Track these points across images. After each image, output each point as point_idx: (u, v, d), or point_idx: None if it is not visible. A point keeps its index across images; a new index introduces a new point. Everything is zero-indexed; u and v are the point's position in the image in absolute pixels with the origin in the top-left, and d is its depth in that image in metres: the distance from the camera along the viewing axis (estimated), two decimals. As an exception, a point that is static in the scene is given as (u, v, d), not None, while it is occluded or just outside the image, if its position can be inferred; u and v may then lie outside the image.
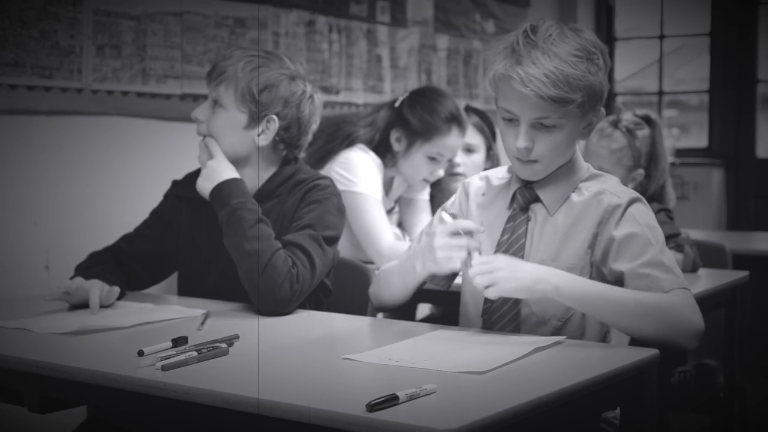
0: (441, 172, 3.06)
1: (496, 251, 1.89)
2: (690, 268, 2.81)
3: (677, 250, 2.83)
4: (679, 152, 5.58)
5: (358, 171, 2.94)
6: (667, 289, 1.73)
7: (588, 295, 1.71)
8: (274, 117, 2.22)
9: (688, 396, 2.88)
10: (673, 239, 2.86)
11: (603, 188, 1.85)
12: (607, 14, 5.94)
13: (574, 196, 1.87)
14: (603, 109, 1.88)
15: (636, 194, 1.85)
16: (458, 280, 2.04)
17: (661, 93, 5.88)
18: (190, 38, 3.29)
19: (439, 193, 3.29)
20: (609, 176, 1.91)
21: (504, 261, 1.74)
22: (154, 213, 2.39)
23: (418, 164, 3.02)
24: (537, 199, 1.88)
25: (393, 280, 2.01)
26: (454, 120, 3.00)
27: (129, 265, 2.31)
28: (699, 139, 5.90)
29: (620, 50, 6.02)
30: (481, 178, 2.01)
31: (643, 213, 1.82)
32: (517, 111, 1.80)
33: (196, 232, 2.31)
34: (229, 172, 2.20)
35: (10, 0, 2.76)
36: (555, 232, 1.86)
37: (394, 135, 3.01)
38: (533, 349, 1.64)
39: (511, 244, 1.88)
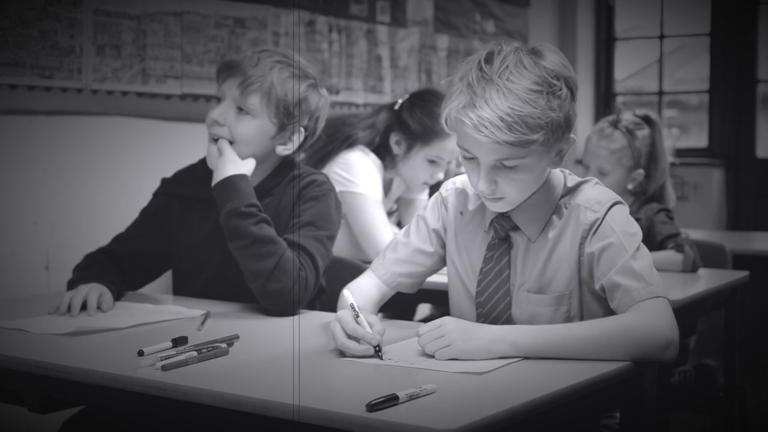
0: (441, 175, 3.06)
1: (480, 281, 1.83)
2: (690, 268, 2.81)
3: (677, 250, 2.83)
4: (679, 152, 5.58)
5: (357, 172, 2.94)
6: (636, 300, 1.65)
7: (547, 343, 1.61)
8: (302, 129, 2.23)
9: (688, 396, 2.88)
10: (673, 239, 2.86)
11: (579, 203, 1.77)
12: (607, 14, 5.94)
13: (555, 218, 1.78)
14: (573, 137, 1.77)
15: (612, 198, 1.76)
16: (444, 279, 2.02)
17: (661, 93, 5.88)
18: (190, 38, 3.29)
19: None
20: (585, 184, 1.81)
21: (454, 323, 1.63)
22: (144, 212, 2.37)
23: (417, 167, 3.02)
24: (516, 227, 1.80)
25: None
26: None
27: (122, 266, 2.31)
28: (699, 139, 5.90)
29: (620, 50, 6.02)
30: (458, 194, 1.92)
31: (617, 219, 1.73)
32: (475, 153, 1.70)
33: (188, 230, 2.29)
34: (236, 168, 2.18)
35: (10, 0, 2.76)
36: (538, 259, 1.79)
37: (393, 138, 3.02)
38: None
39: (496, 275, 1.82)
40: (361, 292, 1.92)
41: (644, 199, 3.01)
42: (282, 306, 2.05)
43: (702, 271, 2.84)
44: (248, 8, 3.52)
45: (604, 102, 5.92)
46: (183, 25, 3.26)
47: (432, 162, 3.01)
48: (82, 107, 2.98)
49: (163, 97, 3.22)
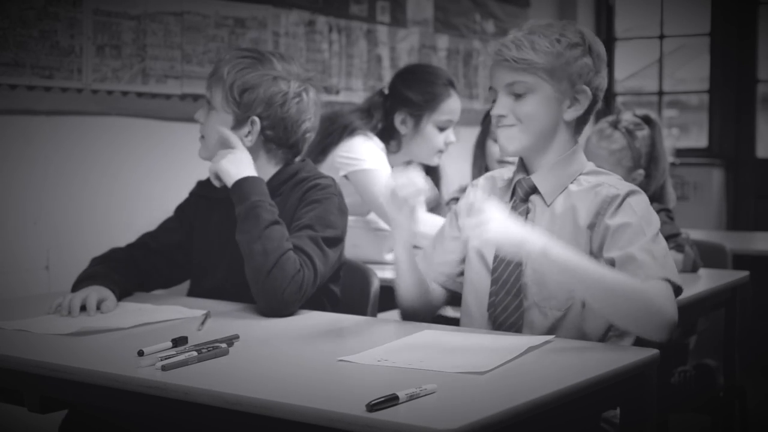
0: (452, 137, 3.09)
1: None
2: (690, 268, 2.81)
3: (677, 250, 2.83)
4: (679, 152, 5.58)
5: (362, 151, 2.96)
6: (649, 277, 1.73)
7: (570, 263, 1.71)
8: (256, 118, 2.22)
9: (688, 396, 2.88)
10: (673, 239, 2.86)
11: (602, 181, 1.88)
12: (607, 14, 5.94)
13: (573, 187, 1.90)
14: (587, 88, 1.90)
15: (635, 188, 1.87)
16: None
17: (661, 93, 5.88)
18: (190, 38, 3.29)
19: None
20: (611, 173, 1.94)
21: (497, 213, 1.73)
22: (179, 209, 2.40)
23: (430, 137, 3.05)
24: (535, 190, 1.92)
25: (401, 278, 2.00)
26: (450, 84, 3.08)
27: (153, 260, 2.32)
28: (699, 139, 5.90)
29: (620, 50, 6.02)
30: (487, 179, 2.05)
31: (640, 204, 1.83)
32: (494, 83, 1.91)
33: (206, 231, 2.31)
34: (251, 169, 2.20)
35: (10, 0, 2.76)
36: (553, 221, 1.88)
37: (398, 118, 3.03)
38: (527, 348, 1.65)
39: None
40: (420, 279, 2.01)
41: (644, 199, 3.01)
42: (275, 306, 2.04)
43: (702, 271, 2.84)
44: (248, 8, 3.52)
45: (604, 102, 5.91)
46: (183, 25, 3.26)
47: (441, 129, 3.05)
48: (82, 107, 2.98)
49: (163, 97, 3.22)
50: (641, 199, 1.85)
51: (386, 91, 3.10)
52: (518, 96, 1.88)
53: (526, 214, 1.91)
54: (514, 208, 1.93)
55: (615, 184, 1.87)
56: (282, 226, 2.12)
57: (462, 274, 2.04)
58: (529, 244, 1.71)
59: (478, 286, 1.96)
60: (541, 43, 1.86)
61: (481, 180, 2.06)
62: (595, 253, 1.83)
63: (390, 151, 3.06)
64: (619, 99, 6.05)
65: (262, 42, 3.57)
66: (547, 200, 1.90)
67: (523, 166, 1.96)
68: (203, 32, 3.33)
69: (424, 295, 2.01)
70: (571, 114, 1.91)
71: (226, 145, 2.22)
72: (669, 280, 1.75)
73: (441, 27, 4.60)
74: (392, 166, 3.07)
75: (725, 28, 5.58)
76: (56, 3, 2.87)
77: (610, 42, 5.97)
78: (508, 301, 1.89)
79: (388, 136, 3.04)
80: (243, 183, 2.16)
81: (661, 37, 5.81)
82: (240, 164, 2.19)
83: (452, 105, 3.06)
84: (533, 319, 1.87)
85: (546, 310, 1.86)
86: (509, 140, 1.91)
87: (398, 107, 3.04)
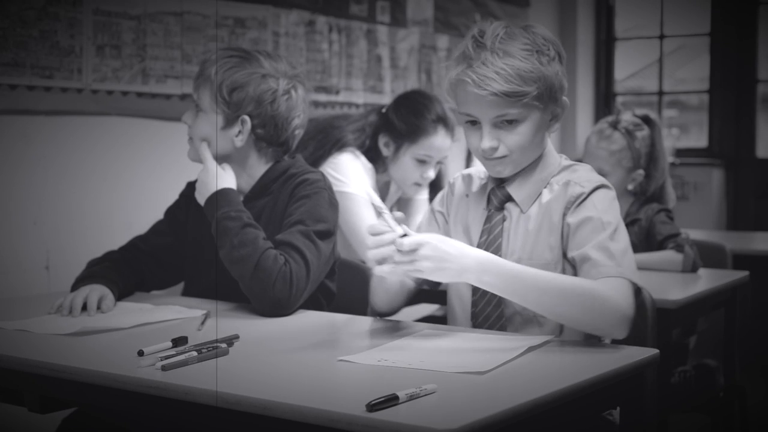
0: (431, 174, 3.06)
1: None
2: (690, 268, 2.81)
3: (677, 250, 2.83)
4: (679, 152, 5.58)
5: (347, 172, 2.95)
6: (604, 275, 1.72)
7: (509, 281, 1.70)
8: (246, 117, 2.22)
9: (688, 396, 2.88)
10: (673, 239, 2.87)
11: (570, 179, 1.86)
12: (607, 14, 5.94)
13: (546, 193, 1.88)
14: (566, 99, 1.88)
15: (602, 182, 1.85)
16: None
17: (661, 93, 5.88)
18: (190, 38, 3.29)
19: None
20: (581, 166, 1.91)
21: (430, 249, 1.68)
22: (169, 211, 2.41)
23: (407, 167, 3.03)
24: (510, 198, 1.90)
25: (376, 287, 2.01)
26: (440, 121, 3.02)
27: (144, 262, 2.33)
28: (699, 139, 5.90)
29: (620, 50, 6.02)
30: (464, 178, 2.01)
31: (602, 199, 1.82)
32: (476, 113, 1.82)
33: (199, 232, 2.31)
34: (217, 183, 2.20)
35: (10, 0, 2.76)
36: (527, 230, 1.87)
37: (382, 140, 3.03)
38: (527, 348, 1.65)
39: (489, 244, 1.89)
40: (390, 283, 1.99)
41: (644, 199, 3.01)
42: (269, 305, 2.04)
43: (702, 271, 2.84)
44: (248, 8, 3.52)
45: (604, 102, 5.92)
46: (183, 25, 3.26)
47: (421, 161, 3.02)
48: (82, 107, 2.98)
49: (163, 97, 3.22)
50: (604, 195, 1.83)
51: (383, 110, 3.09)
52: (507, 123, 1.82)
53: (502, 222, 1.89)
54: (489, 217, 1.91)
55: (581, 181, 1.85)
56: (254, 227, 2.13)
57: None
58: (466, 275, 1.69)
59: (461, 295, 1.94)
60: (524, 68, 1.78)
61: (459, 179, 2.02)
62: (566, 253, 1.82)
63: (377, 171, 3.06)
64: (619, 99, 6.05)
65: (262, 42, 3.57)
66: (524, 209, 1.88)
67: None
68: (203, 32, 3.33)
69: (397, 303, 2.01)
70: (554, 128, 1.90)
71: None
72: (625, 278, 1.73)
73: (441, 27, 4.60)
74: (381, 185, 3.09)
75: (725, 28, 5.58)
76: (56, 3, 2.87)
77: (610, 42, 5.97)
78: (489, 311, 1.88)
79: (375, 154, 3.04)
80: (208, 203, 2.19)
81: (661, 37, 5.81)
82: (203, 185, 2.21)
83: (435, 142, 3.01)
84: (516, 328, 1.87)
85: (529, 318, 1.85)
86: (500, 169, 1.87)
87: (384, 129, 3.04)
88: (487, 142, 1.82)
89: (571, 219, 1.81)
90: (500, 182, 1.91)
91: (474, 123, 1.85)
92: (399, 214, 1.73)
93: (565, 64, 1.87)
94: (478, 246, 1.88)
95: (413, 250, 1.67)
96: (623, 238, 1.79)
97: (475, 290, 1.89)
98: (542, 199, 1.87)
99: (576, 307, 1.69)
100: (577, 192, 1.82)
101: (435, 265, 1.68)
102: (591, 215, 1.79)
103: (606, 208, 1.80)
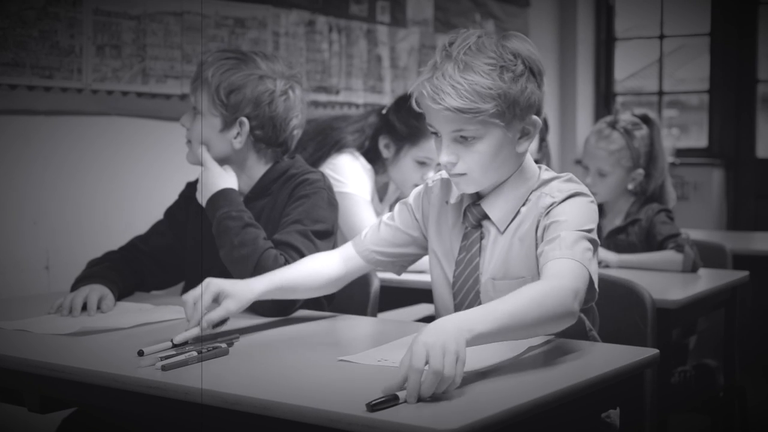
0: (431, 176, 3.06)
1: (455, 270, 1.86)
2: (690, 268, 2.81)
3: (677, 251, 2.83)
4: (679, 152, 5.58)
5: (346, 172, 2.95)
6: (549, 260, 1.65)
7: (501, 326, 1.50)
8: (244, 119, 2.22)
9: (688, 396, 2.87)
10: (673, 239, 2.86)
11: (543, 192, 1.80)
12: (607, 14, 5.94)
13: (523, 209, 1.81)
14: (536, 117, 1.79)
15: (576, 190, 1.77)
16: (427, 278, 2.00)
17: (661, 93, 5.88)
18: (190, 38, 3.29)
19: None
20: (560, 178, 1.83)
21: (421, 349, 1.40)
22: (168, 212, 2.41)
23: (407, 169, 3.02)
24: (486, 216, 1.84)
25: None
26: None
27: (143, 262, 2.33)
28: (699, 139, 5.90)
29: (620, 50, 6.02)
30: (443, 184, 1.94)
31: (573, 205, 1.75)
32: (435, 126, 1.78)
33: (199, 233, 2.31)
34: (218, 183, 2.21)
35: (10, 0, 2.76)
36: (503, 246, 1.82)
37: (382, 141, 3.03)
38: (527, 348, 1.64)
39: (467, 264, 1.85)
40: (312, 267, 1.97)
41: (644, 199, 3.01)
42: (271, 305, 2.04)
43: (702, 271, 2.84)
44: (248, 8, 3.52)
45: (604, 102, 5.92)
46: (183, 25, 3.26)
47: (421, 163, 3.01)
48: (82, 107, 2.98)
49: (163, 97, 3.22)
50: (577, 201, 1.76)
51: (384, 111, 3.09)
52: (465, 139, 1.75)
53: (480, 240, 1.84)
54: (467, 234, 1.86)
55: (552, 191, 1.78)
56: (254, 227, 2.13)
57: (396, 263, 2.00)
58: (472, 341, 1.46)
59: (444, 301, 1.90)
60: (483, 84, 1.70)
61: (438, 184, 1.96)
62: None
63: (377, 172, 3.06)
64: (619, 99, 6.05)
65: (262, 42, 3.57)
66: (501, 227, 1.82)
67: None
68: (203, 32, 3.33)
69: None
70: (524, 146, 1.80)
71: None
72: (572, 259, 1.65)
73: (441, 27, 4.60)
74: (379, 186, 3.09)
75: (725, 28, 5.58)
76: (56, 3, 2.87)
77: (610, 42, 5.97)
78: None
79: (375, 155, 3.04)
80: (209, 204, 2.19)
81: (661, 37, 5.81)
82: (205, 185, 2.21)
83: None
84: None
85: None
86: (463, 186, 1.82)
87: (384, 131, 3.03)
88: (444, 157, 1.77)
89: (541, 226, 1.76)
90: (476, 198, 1.86)
91: (437, 135, 1.79)
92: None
93: (541, 79, 1.78)
94: (457, 263, 1.85)
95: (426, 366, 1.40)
96: (586, 244, 1.69)
97: (455, 295, 1.86)
98: (519, 216, 1.81)
99: (534, 309, 1.55)
100: (547, 203, 1.77)
101: (440, 349, 1.40)
102: (558, 219, 1.73)
103: (575, 213, 1.73)
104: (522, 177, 1.83)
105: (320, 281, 1.98)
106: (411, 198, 2.00)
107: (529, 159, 1.85)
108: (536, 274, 1.76)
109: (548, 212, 1.76)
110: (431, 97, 1.72)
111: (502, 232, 1.82)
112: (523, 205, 1.81)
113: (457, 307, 1.86)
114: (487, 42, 1.74)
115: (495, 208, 1.82)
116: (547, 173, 1.85)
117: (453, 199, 1.90)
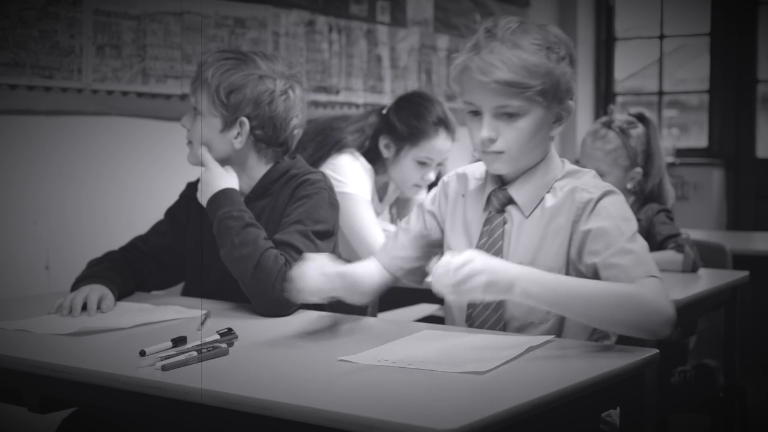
0: (432, 176, 3.06)
1: None
2: (690, 268, 2.80)
3: (677, 250, 2.83)
4: (679, 152, 5.58)
5: (346, 173, 2.95)
6: (635, 278, 1.69)
7: (555, 292, 1.65)
8: (245, 119, 2.23)
9: (688, 396, 2.88)
10: (673, 239, 2.86)
11: (576, 185, 1.82)
12: (607, 14, 5.94)
13: (549, 197, 1.84)
14: (572, 103, 1.86)
15: (609, 187, 1.82)
16: None
17: (661, 93, 5.89)
18: (190, 38, 3.29)
19: None
20: (585, 171, 1.88)
21: (479, 264, 1.61)
22: (169, 212, 2.41)
23: (407, 169, 3.02)
24: (511, 201, 1.86)
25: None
26: (441, 123, 3.01)
27: (144, 262, 2.33)
28: (699, 139, 5.90)
29: (620, 50, 6.02)
30: (459, 178, 1.98)
31: (614, 204, 1.79)
32: (478, 101, 1.80)
33: (199, 233, 2.31)
34: (220, 183, 2.20)
35: (10, 0, 2.76)
36: (531, 235, 1.84)
37: (382, 142, 3.03)
38: (527, 348, 1.64)
39: (489, 247, 1.86)
40: (364, 269, 1.96)
41: (644, 199, 3.01)
42: (269, 305, 2.04)
43: (702, 271, 2.84)
44: (248, 8, 3.52)
45: (605, 102, 5.92)
46: (183, 25, 3.26)
47: (421, 164, 3.01)
48: (82, 107, 2.98)
49: (163, 97, 3.22)
50: (615, 200, 1.80)
51: (384, 111, 3.09)
52: (508, 116, 1.79)
53: (503, 225, 1.86)
54: (489, 219, 1.88)
55: (588, 187, 1.81)
56: (255, 227, 2.13)
57: (418, 270, 2.01)
58: (514, 287, 1.63)
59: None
60: (532, 61, 1.76)
61: (453, 179, 1.99)
62: (574, 261, 1.79)
63: (377, 172, 3.06)
64: (619, 99, 6.05)
65: (262, 42, 3.57)
66: (525, 212, 1.85)
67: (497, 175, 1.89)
68: (203, 32, 3.33)
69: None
70: (557, 131, 1.86)
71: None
72: (657, 277, 1.71)
73: (441, 27, 4.60)
74: (379, 186, 3.09)
75: (725, 28, 5.59)
76: (56, 3, 2.87)
77: (610, 42, 5.97)
78: (487, 314, 1.86)
79: (375, 155, 3.04)
80: (210, 204, 2.19)
81: (661, 37, 5.81)
82: (206, 185, 2.21)
83: (436, 144, 2.99)
84: (515, 331, 1.84)
85: (526, 323, 1.83)
86: (498, 166, 1.84)
87: (384, 131, 3.03)
88: (485, 132, 1.79)
89: (585, 227, 1.77)
90: (501, 184, 1.89)
91: (476, 114, 1.81)
92: None
93: (576, 67, 1.84)
94: (478, 248, 1.85)
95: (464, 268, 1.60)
96: (641, 240, 1.77)
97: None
98: (545, 204, 1.84)
99: (625, 312, 1.65)
100: (585, 198, 1.79)
101: (486, 279, 1.61)
102: (606, 224, 1.75)
103: (620, 214, 1.78)
104: (549, 165, 1.87)
105: (370, 287, 1.97)
106: (427, 201, 2.01)
107: (554, 149, 1.90)
108: (563, 267, 1.80)
109: (590, 211, 1.78)
110: (481, 70, 1.76)
111: (527, 217, 1.84)
112: (548, 192, 1.85)
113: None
114: (529, 26, 1.81)
115: (521, 193, 1.86)
116: (570, 165, 1.90)
117: (472, 186, 1.93)
